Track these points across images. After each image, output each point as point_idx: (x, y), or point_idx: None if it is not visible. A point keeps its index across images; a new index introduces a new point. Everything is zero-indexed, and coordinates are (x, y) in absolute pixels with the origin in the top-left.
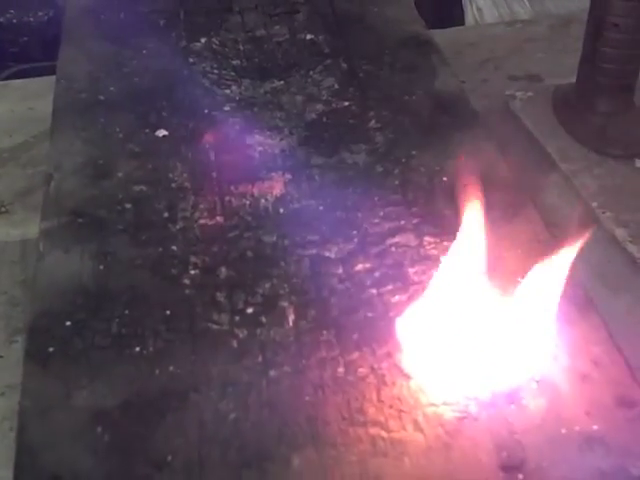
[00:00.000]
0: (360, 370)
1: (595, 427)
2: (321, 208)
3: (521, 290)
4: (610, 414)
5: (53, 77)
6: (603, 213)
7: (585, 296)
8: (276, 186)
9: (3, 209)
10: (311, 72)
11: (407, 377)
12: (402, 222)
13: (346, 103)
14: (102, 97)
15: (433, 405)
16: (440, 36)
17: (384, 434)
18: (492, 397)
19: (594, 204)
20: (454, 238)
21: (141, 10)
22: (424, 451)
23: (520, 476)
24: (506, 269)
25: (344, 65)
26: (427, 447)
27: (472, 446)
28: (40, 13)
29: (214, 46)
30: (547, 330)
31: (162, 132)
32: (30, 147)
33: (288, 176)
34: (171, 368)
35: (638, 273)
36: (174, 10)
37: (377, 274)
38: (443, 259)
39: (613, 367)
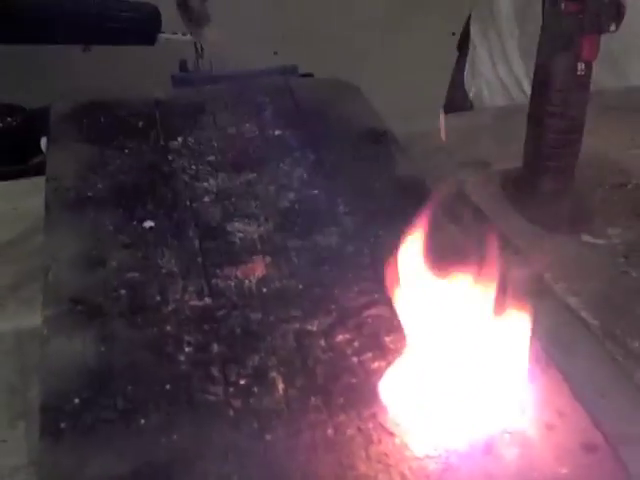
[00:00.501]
0: (348, 431)
1: (564, 470)
2: (300, 287)
3: (486, 347)
4: (576, 458)
5: (34, 179)
6: (556, 284)
7: (544, 355)
8: (258, 268)
9: None
10: (281, 164)
11: (392, 435)
12: (375, 296)
13: (315, 191)
14: (90, 194)
15: (417, 459)
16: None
17: None
18: (470, 449)
19: (547, 275)
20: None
21: (120, 114)
22: None
23: None
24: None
25: (311, 156)
26: None
27: None
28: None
29: (190, 144)
30: (514, 386)
31: (149, 223)
32: (16, 244)
33: (268, 258)
34: (175, 437)
35: (591, 337)
36: (150, 112)
37: (356, 344)
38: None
39: (575, 416)
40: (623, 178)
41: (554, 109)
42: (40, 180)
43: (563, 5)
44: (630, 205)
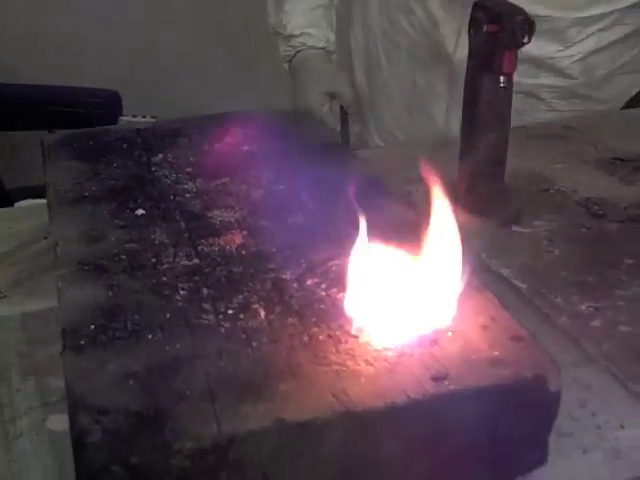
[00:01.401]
0: (320, 337)
1: (496, 353)
2: (274, 249)
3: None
4: (506, 346)
5: (24, 203)
6: (490, 260)
7: (478, 281)
8: (236, 238)
9: (2, 295)
10: (251, 170)
11: (356, 337)
12: (337, 252)
13: (282, 186)
14: (86, 194)
15: (378, 350)
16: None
17: (344, 369)
18: (420, 342)
19: (483, 255)
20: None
21: (106, 139)
22: (375, 375)
23: (446, 382)
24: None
25: (275, 164)
26: (377, 373)
27: (409, 370)
28: None
29: (169, 159)
30: (454, 298)
31: (140, 211)
32: (14, 253)
33: (244, 232)
34: (178, 346)
35: (522, 297)
36: (133, 138)
37: (323, 285)
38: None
39: (505, 320)
40: (546, 185)
41: (483, 119)
42: (31, 205)
43: (485, 27)
44: (552, 205)
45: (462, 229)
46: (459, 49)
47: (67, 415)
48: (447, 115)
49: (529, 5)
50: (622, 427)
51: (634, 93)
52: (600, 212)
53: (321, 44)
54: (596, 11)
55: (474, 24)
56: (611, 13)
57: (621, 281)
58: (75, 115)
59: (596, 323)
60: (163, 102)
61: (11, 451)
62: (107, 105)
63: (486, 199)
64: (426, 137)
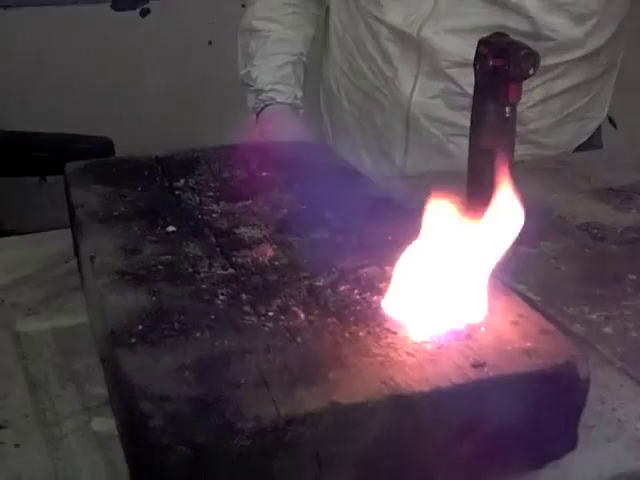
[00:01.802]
0: (361, 334)
1: (528, 344)
2: (305, 261)
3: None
4: (536, 337)
5: (44, 233)
6: (505, 276)
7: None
8: (267, 251)
9: (31, 312)
10: (272, 193)
11: (395, 333)
12: (366, 261)
13: (304, 206)
14: (116, 213)
15: (417, 343)
16: None
17: (388, 360)
18: (456, 336)
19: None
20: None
21: (126, 166)
22: (418, 364)
23: (485, 369)
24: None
25: (296, 186)
26: (419, 362)
27: (450, 359)
28: None
29: (191, 184)
30: (485, 300)
31: (171, 228)
32: (38, 276)
33: (274, 246)
34: (226, 342)
35: (539, 311)
36: (153, 165)
37: (356, 290)
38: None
39: (533, 317)
40: (548, 212)
41: (490, 147)
42: (48, 233)
43: (491, 62)
44: (555, 228)
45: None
46: (415, 93)
47: (111, 417)
48: (405, 156)
49: None
50: None
51: (583, 140)
52: (600, 235)
53: (289, 100)
54: (547, 62)
55: (480, 59)
56: (561, 64)
57: (627, 294)
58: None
59: (608, 330)
60: (156, 147)
61: (58, 450)
62: (100, 152)
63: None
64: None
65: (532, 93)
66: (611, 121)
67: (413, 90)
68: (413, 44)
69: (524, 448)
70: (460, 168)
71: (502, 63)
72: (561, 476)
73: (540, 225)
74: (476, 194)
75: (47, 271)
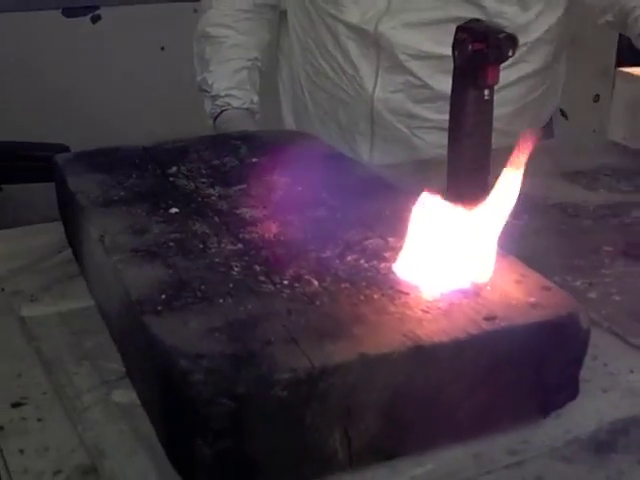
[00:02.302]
0: (375, 296)
1: (532, 299)
2: (309, 235)
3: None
4: (540, 293)
5: (38, 225)
6: None
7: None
8: (272, 228)
9: (34, 298)
10: (265, 178)
11: (408, 294)
12: (369, 233)
13: (300, 188)
14: (116, 198)
15: (430, 302)
16: None
17: (405, 317)
18: (465, 294)
19: None
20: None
21: (117, 156)
22: (434, 319)
23: (497, 321)
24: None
25: (287, 171)
26: (435, 317)
27: (463, 314)
28: None
29: (183, 172)
30: (489, 261)
31: (174, 209)
32: (35, 264)
33: (277, 223)
34: (249, 306)
35: None
36: (142, 154)
37: (363, 260)
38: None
39: (534, 276)
40: (522, 193)
41: (469, 130)
42: (35, 226)
43: (470, 47)
44: (531, 208)
45: None
46: (377, 88)
47: (130, 389)
48: (371, 151)
49: (440, 46)
50: (632, 372)
51: (542, 125)
52: (573, 213)
53: (245, 105)
54: None
55: (458, 44)
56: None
57: (604, 263)
58: (24, 169)
59: (592, 295)
60: None
61: (83, 422)
62: None
63: (471, 202)
64: None
65: None
66: (562, 113)
67: (375, 86)
68: (371, 40)
69: (532, 397)
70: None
71: (481, 47)
72: (565, 423)
73: (517, 205)
74: (456, 177)
75: (42, 261)
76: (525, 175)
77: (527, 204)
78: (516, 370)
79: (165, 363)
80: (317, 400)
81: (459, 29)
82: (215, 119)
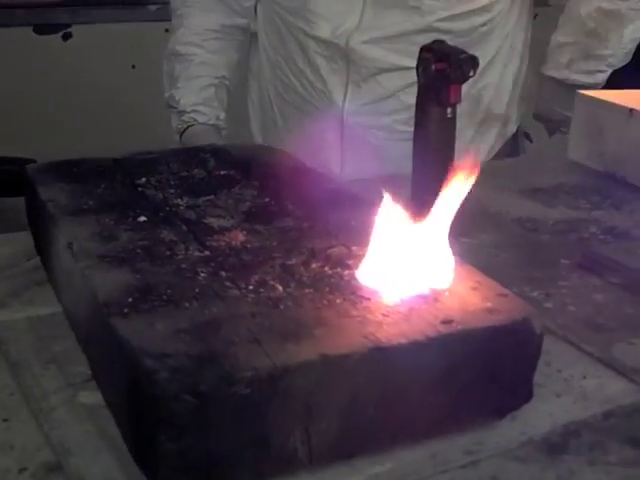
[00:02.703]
0: (337, 301)
1: (488, 304)
2: (275, 243)
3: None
4: (495, 299)
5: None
6: None
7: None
8: (238, 236)
9: (2, 303)
10: (233, 189)
11: (369, 299)
12: (334, 242)
13: (266, 199)
14: (85, 207)
15: (390, 306)
16: None
17: (366, 320)
18: (424, 300)
19: None
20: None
21: (86, 166)
22: (394, 322)
23: (454, 324)
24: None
25: (256, 183)
26: (395, 321)
27: (422, 318)
28: None
29: (152, 182)
30: (447, 269)
31: (142, 218)
32: (3, 271)
33: (244, 232)
34: (214, 310)
35: None
36: (112, 166)
37: (327, 267)
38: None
39: (490, 284)
40: (484, 208)
41: (432, 146)
42: (12, 235)
43: (434, 66)
44: (492, 223)
45: None
46: (347, 102)
47: (96, 391)
48: (342, 164)
49: (408, 58)
50: (585, 377)
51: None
52: (532, 227)
53: (212, 121)
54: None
55: (422, 63)
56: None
57: (561, 275)
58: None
59: (549, 305)
60: None
61: (49, 421)
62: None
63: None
64: None
65: None
66: (527, 136)
67: (344, 99)
68: (341, 54)
69: (488, 398)
70: (396, 171)
71: (444, 67)
72: (519, 425)
73: (477, 220)
74: (420, 192)
75: (10, 268)
76: (481, 190)
77: (487, 219)
78: (472, 372)
79: (131, 363)
80: (278, 399)
81: (423, 49)
82: (181, 135)
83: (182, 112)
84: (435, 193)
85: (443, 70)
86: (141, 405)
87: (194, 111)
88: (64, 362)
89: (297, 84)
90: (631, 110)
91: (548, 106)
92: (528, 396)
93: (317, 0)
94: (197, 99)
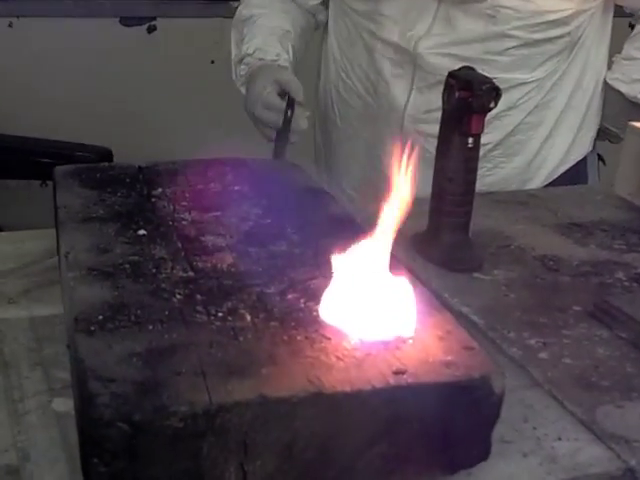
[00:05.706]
0: (298, 338)
1: (449, 358)
2: (260, 269)
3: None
4: (458, 352)
5: (29, 231)
6: (452, 299)
7: (438, 302)
8: (227, 258)
9: (12, 300)
10: (241, 206)
11: (329, 339)
12: (316, 273)
13: (268, 220)
14: (94, 215)
15: (348, 350)
16: None
17: (317, 362)
18: (385, 346)
19: (446, 294)
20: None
21: (111, 173)
22: (344, 368)
23: (405, 376)
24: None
25: (264, 201)
26: (346, 366)
27: (374, 366)
28: None
29: (167, 194)
30: (415, 313)
31: (142, 231)
32: (22, 269)
33: (234, 254)
34: (174, 335)
35: (478, 331)
36: (135, 173)
37: (303, 299)
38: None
39: (459, 334)
40: (508, 242)
41: (452, 175)
42: (33, 231)
43: (457, 94)
44: (511, 258)
45: (427, 275)
46: (409, 108)
47: (71, 399)
48: None
49: (477, 67)
50: (559, 439)
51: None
52: (554, 267)
53: (273, 57)
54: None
55: (447, 90)
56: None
57: (568, 323)
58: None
59: (543, 355)
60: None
61: (20, 424)
62: (99, 160)
63: (451, 248)
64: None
65: None
66: (600, 158)
67: (406, 105)
68: (408, 59)
69: (438, 453)
70: None
71: (466, 95)
72: None
73: (496, 255)
74: (437, 219)
75: (32, 265)
76: (510, 222)
77: (508, 254)
78: (421, 426)
79: (81, 382)
80: (213, 434)
81: (450, 75)
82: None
83: (245, 56)
84: (451, 220)
85: (465, 98)
86: (82, 424)
87: (257, 50)
88: (50, 366)
89: (360, 87)
90: None
91: (615, 120)
92: (485, 454)
93: (390, 4)
94: (259, 43)
